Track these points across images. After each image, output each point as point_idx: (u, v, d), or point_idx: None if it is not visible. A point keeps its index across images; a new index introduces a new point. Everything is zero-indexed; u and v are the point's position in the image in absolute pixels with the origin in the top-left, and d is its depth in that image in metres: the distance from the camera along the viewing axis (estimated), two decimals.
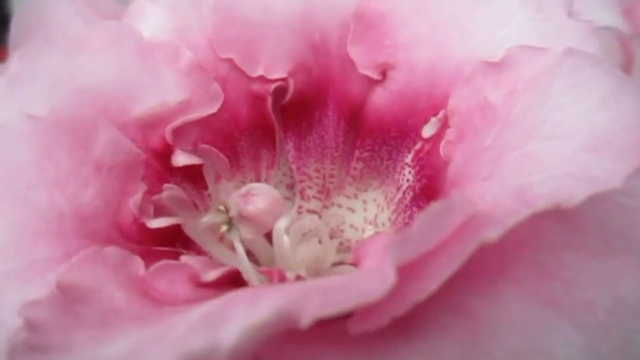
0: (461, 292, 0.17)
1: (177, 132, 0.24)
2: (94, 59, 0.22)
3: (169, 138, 0.24)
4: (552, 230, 0.19)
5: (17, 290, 0.17)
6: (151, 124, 0.23)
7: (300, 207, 0.29)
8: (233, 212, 0.26)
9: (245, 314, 0.14)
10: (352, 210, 0.28)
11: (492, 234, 0.15)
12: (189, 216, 0.25)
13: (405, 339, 0.15)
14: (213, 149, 0.25)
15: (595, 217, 0.19)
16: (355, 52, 0.25)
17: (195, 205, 0.26)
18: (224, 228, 0.26)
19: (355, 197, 0.29)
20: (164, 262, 0.19)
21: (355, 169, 0.28)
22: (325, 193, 0.29)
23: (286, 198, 0.29)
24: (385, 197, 0.27)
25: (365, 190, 0.28)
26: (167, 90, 0.23)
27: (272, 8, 0.25)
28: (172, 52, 0.24)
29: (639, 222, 0.18)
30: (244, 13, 0.24)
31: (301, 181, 0.29)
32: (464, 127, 0.22)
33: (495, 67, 0.21)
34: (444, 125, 0.23)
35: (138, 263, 0.19)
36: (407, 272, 0.15)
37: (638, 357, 0.16)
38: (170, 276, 0.18)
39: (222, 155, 0.25)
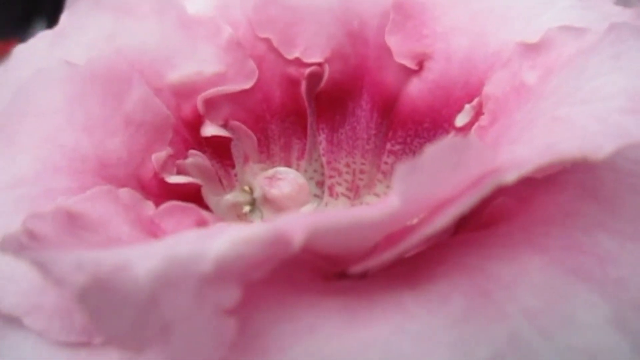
0: (478, 257, 0.16)
1: (209, 103, 0.24)
2: (137, 24, 0.23)
3: (200, 108, 0.24)
4: (588, 212, 0.17)
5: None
6: (185, 92, 0.24)
7: (327, 204, 0.28)
8: (257, 194, 0.26)
9: (239, 230, 0.13)
10: None
11: (509, 176, 0.14)
12: (212, 190, 0.25)
13: (409, 288, 0.14)
14: (243, 126, 0.25)
15: (635, 204, 0.18)
16: (393, 41, 0.25)
17: (221, 182, 0.26)
18: (247, 208, 0.26)
19: (385, 196, 0.28)
20: (172, 202, 0.18)
21: (386, 163, 0.27)
22: (354, 190, 0.28)
23: (315, 195, 0.29)
24: None
25: None
26: (204, 62, 0.24)
27: None
28: (213, 28, 0.24)
29: None
30: None
31: (331, 176, 0.28)
32: (498, 111, 0.21)
33: (532, 48, 0.20)
34: (478, 112, 0.23)
35: (149, 206, 0.19)
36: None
37: None
38: (178, 218, 0.18)
39: (251, 134, 0.26)
